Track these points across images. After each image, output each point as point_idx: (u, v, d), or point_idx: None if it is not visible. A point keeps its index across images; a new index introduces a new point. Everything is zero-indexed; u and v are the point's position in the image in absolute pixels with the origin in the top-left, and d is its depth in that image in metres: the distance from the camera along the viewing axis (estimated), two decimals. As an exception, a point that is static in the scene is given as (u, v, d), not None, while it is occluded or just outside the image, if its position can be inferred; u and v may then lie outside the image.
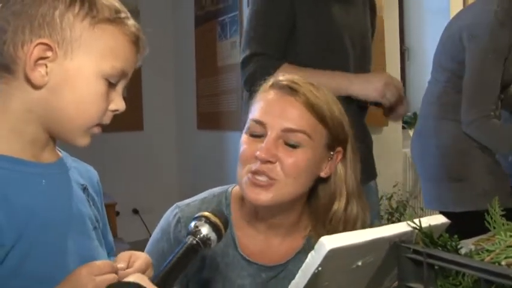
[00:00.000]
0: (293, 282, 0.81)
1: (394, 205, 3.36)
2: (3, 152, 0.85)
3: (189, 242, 0.85)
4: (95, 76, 0.86)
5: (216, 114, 4.13)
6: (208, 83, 4.25)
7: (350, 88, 1.58)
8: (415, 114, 2.93)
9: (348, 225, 1.16)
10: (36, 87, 0.84)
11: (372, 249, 0.80)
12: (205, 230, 0.87)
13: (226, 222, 0.90)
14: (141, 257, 0.87)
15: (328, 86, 1.20)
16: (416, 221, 0.80)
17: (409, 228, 0.80)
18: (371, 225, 1.22)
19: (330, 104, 1.14)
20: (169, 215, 1.21)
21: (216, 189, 1.24)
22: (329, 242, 0.75)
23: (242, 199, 1.19)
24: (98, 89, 0.86)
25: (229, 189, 1.23)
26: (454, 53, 2.02)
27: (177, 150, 4.75)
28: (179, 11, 4.64)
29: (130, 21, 0.90)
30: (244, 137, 1.14)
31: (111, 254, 1.03)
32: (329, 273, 0.79)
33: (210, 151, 4.20)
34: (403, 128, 3.72)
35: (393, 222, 3.12)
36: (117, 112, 0.90)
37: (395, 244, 0.78)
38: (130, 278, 0.78)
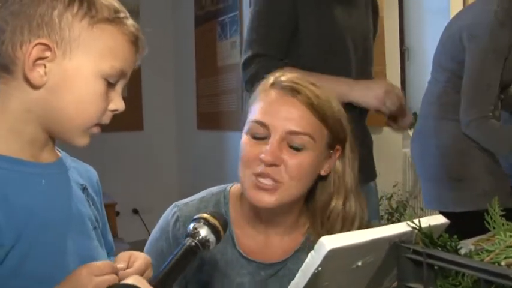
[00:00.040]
0: (293, 282, 0.81)
1: (394, 205, 3.35)
2: (2, 152, 0.85)
3: (187, 244, 0.85)
4: (93, 76, 0.85)
5: (216, 114, 4.13)
6: (208, 83, 4.25)
7: (351, 94, 1.57)
8: (415, 114, 2.93)
9: (347, 222, 1.17)
10: (35, 87, 0.84)
11: (371, 250, 0.80)
12: (204, 231, 0.87)
13: (225, 224, 0.90)
14: (140, 257, 0.87)
15: None
16: (416, 221, 0.80)
17: (409, 229, 0.80)
18: (369, 224, 1.22)
19: (330, 102, 1.14)
20: (168, 214, 1.21)
21: (215, 188, 1.25)
22: (329, 242, 0.75)
23: (241, 198, 1.19)
24: (97, 88, 0.86)
25: (228, 188, 1.23)
26: (454, 53, 2.02)
27: (177, 150, 4.75)
28: (179, 11, 4.64)
29: (130, 21, 0.89)
30: (245, 138, 1.13)
31: (111, 254, 1.03)
32: (329, 273, 0.79)
33: (210, 151, 4.20)
34: (403, 128, 3.71)
35: (393, 222, 3.12)
36: (116, 112, 0.90)
37: (395, 244, 0.78)
38: (129, 280, 0.77)
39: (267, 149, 1.08)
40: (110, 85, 0.88)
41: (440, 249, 0.77)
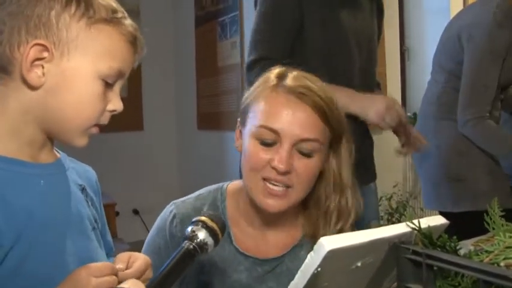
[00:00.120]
0: (292, 282, 0.81)
1: (394, 205, 3.35)
2: (1, 153, 0.85)
3: (185, 247, 0.85)
4: (92, 77, 0.85)
5: (216, 115, 4.14)
6: (208, 83, 4.25)
7: (351, 106, 1.56)
8: (415, 114, 2.93)
9: (343, 216, 1.17)
10: (33, 88, 0.84)
11: (371, 250, 0.80)
12: (202, 234, 0.86)
13: (223, 227, 0.90)
14: (140, 258, 0.87)
15: None
16: (416, 221, 0.80)
17: (409, 229, 0.80)
18: (369, 225, 1.22)
19: (333, 100, 1.14)
20: (165, 212, 1.22)
21: (212, 186, 1.25)
22: (328, 243, 0.75)
23: (238, 195, 1.20)
24: (95, 89, 0.86)
25: (225, 185, 1.24)
26: (454, 54, 2.02)
27: (177, 150, 4.75)
28: (179, 11, 4.65)
29: (128, 21, 0.89)
30: (253, 143, 1.11)
31: (110, 254, 1.03)
32: (328, 274, 0.79)
33: (210, 151, 4.20)
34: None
35: (393, 222, 3.12)
36: (114, 112, 0.90)
37: (395, 245, 0.78)
38: (126, 284, 0.77)
39: (280, 157, 1.08)
40: (108, 85, 0.88)
41: (439, 249, 0.77)
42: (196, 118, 4.46)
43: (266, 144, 1.10)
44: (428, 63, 2.24)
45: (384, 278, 0.85)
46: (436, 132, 2.05)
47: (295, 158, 1.10)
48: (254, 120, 1.12)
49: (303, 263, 0.79)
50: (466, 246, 0.87)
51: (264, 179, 1.11)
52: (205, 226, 0.87)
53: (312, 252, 0.77)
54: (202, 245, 0.86)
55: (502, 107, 2.09)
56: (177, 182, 4.61)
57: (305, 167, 1.10)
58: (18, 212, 0.83)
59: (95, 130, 0.89)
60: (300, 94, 1.10)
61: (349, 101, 1.57)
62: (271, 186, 1.10)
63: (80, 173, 0.98)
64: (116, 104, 0.89)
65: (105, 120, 0.90)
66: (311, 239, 1.17)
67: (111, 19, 0.86)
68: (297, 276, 0.80)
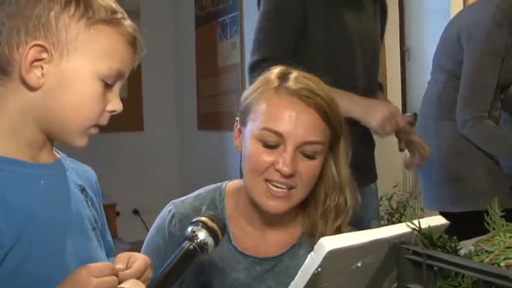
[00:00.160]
0: (292, 283, 0.81)
1: (394, 205, 3.35)
2: (1, 153, 0.85)
3: (186, 247, 0.85)
4: (91, 77, 0.85)
5: (216, 115, 4.14)
6: (208, 83, 4.25)
7: (353, 112, 1.56)
8: (415, 114, 2.93)
9: (342, 215, 1.18)
10: (32, 89, 0.84)
11: (371, 251, 0.80)
12: (202, 235, 0.86)
13: (223, 227, 0.90)
14: (140, 258, 0.87)
15: None
16: (416, 222, 0.80)
17: (409, 230, 0.80)
18: (369, 225, 1.22)
19: (333, 100, 1.14)
20: (164, 211, 1.22)
21: (211, 186, 1.25)
22: (329, 243, 0.75)
23: (238, 195, 1.20)
24: (95, 90, 0.86)
25: (223, 185, 1.24)
26: (454, 54, 2.03)
27: (177, 150, 4.76)
28: (179, 11, 4.65)
29: (127, 22, 0.89)
30: (255, 145, 1.11)
31: (110, 254, 1.03)
32: (329, 274, 0.79)
33: (210, 151, 4.20)
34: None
35: (393, 222, 3.12)
36: (114, 113, 0.90)
37: (395, 245, 0.78)
38: (126, 284, 0.77)
39: (284, 160, 1.08)
40: (108, 86, 0.88)
41: (439, 250, 0.76)
42: (196, 118, 4.46)
43: (269, 146, 1.10)
44: (428, 64, 2.24)
45: (384, 278, 0.85)
46: (436, 132, 2.06)
47: (298, 160, 1.10)
48: (256, 122, 1.12)
49: (301, 261, 0.79)
50: (467, 246, 0.87)
51: (267, 180, 1.11)
52: (205, 226, 0.87)
53: (312, 253, 0.77)
54: (203, 245, 0.86)
55: (502, 107, 2.09)
56: (177, 182, 4.61)
57: (308, 169, 1.11)
58: (18, 212, 0.83)
59: (94, 130, 0.89)
60: (303, 96, 1.10)
61: (351, 106, 1.56)
62: (274, 188, 1.10)
63: (79, 174, 0.99)
64: (115, 105, 0.89)
65: (104, 120, 0.90)
66: (310, 238, 1.17)
67: (111, 20, 0.86)
68: (297, 277, 0.80)
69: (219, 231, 0.88)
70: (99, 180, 1.05)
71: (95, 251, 0.95)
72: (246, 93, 1.18)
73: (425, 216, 0.87)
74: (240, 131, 1.18)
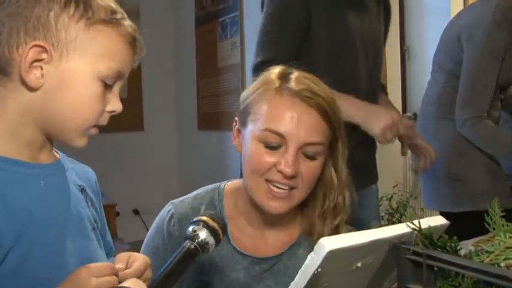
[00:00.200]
0: (292, 283, 0.81)
1: (394, 206, 3.35)
2: (0, 153, 0.85)
3: (187, 247, 0.85)
4: (90, 78, 0.85)
5: (216, 115, 4.14)
6: (208, 83, 4.25)
7: (355, 117, 1.56)
8: (415, 114, 2.93)
9: (340, 214, 1.18)
10: (31, 89, 0.84)
11: (371, 251, 0.79)
12: (203, 234, 0.87)
13: (224, 227, 0.90)
14: (139, 258, 0.87)
15: None
16: (416, 222, 0.80)
17: (409, 230, 0.80)
18: (369, 225, 1.23)
19: (334, 100, 1.14)
20: (163, 212, 1.22)
21: (210, 186, 1.25)
22: (328, 243, 0.75)
23: (237, 195, 1.20)
24: (94, 90, 0.86)
25: (222, 185, 1.24)
26: (453, 54, 2.03)
27: (177, 150, 4.76)
28: (180, 11, 4.65)
29: (127, 22, 0.89)
30: (257, 146, 1.11)
31: (110, 254, 1.03)
32: (329, 274, 0.79)
33: (210, 151, 4.20)
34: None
35: (393, 222, 3.12)
36: (114, 113, 0.90)
37: (395, 245, 0.78)
38: (127, 283, 0.77)
39: (287, 161, 1.08)
40: (107, 86, 0.88)
41: (440, 250, 0.76)
42: (196, 118, 4.46)
43: (271, 147, 1.10)
44: (429, 63, 2.24)
45: (384, 278, 0.85)
46: (436, 132, 2.06)
47: (300, 161, 1.10)
48: (257, 122, 1.11)
49: (300, 261, 0.79)
50: (467, 246, 0.87)
51: (268, 181, 1.11)
52: (206, 226, 0.87)
53: (312, 253, 0.77)
54: (204, 245, 0.86)
55: (502, 107, 2.09)
56: (177, 182, 4.61)
57: (309, 170, 1.11)
58: (18, 212, 0.83)
59: (94, 131, 0.89)
60: (304, 97, 1.10)
61: (352, 110, 1.56)
62: (275, 189, 1.10)
63: (79, 174, 0.99)
64: (115, 105, 0.89)
65: (104, 121, 0.90)
66: (308, 238, 1.18)
67: (110, 20, 0.86)
68: (297, 277, 0.80)
69: (220, 231, 0.89)
70: (99, 180, 1.05)
71: (95, 251, 0.95)
72: (245, 94, 1.18)
73: (426, 217, 0.87)
74: (239, 131, 1.18)
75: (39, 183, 0.88)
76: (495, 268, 0.70)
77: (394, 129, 1.56)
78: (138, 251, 0.95)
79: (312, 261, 0.77)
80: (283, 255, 1.18)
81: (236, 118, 1.19)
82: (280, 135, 1.09)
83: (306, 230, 1.19)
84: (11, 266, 0.81)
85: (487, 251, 0.78)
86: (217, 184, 1.25)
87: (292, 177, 1.09)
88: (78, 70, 0.84)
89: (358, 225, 1.22)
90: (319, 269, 0.76)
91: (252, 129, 1.13)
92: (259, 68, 1.59)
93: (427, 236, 0.78)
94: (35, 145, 0.89)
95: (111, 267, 0.82)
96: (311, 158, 1.11)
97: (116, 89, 0.89)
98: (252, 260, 1.17)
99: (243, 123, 1.15)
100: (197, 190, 1.25)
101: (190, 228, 0.87)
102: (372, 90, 1.73)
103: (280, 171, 1.09)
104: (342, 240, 0.77)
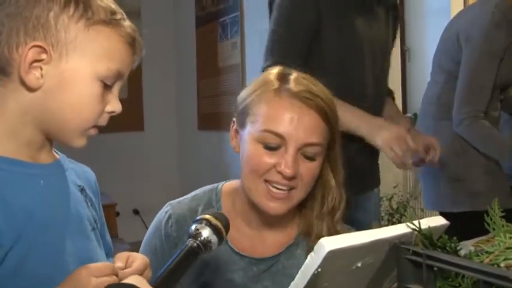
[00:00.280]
0: (292, 283, 0.81)
1: (395, 206, 3.35)
2: (0, 153, 0.85)
3: (189, 245, 0.85)
4: (90, 78, 0.85)
5: (216, 115, 4.14)
6: (209, 83, 4.25)
7: (359, 129, 1.55)
8: (415, 114, 2.93)
9: (337, 214, 1.18)
10: (31, 89, 0.84)
11: (371, 251, 0.80)
12: (206, 232, 0.87)
13: (227, 225, 0.90)
14: (138, 258, 0.87)
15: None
16: (416, 222, 0.80)
17: (409, 230, 0.80)
18: (370, 226, 1.23)
19: (332, 100, 1.14)
20: (161, 212, 1.22)
21: (208, 187, 1.25)
22: (328, 244, 0.75)
23: (234, 195, 1.20)
24: (94, 91, 0.86)
25: (220, 185, 1.24)
26: (453, 54, 2.03)
27: (177, 150, 4.76)
28: (180, 11, 4.65)
29: (126, 23, 0.89)
30: (256, 147, 1.11)
31: (109, 254, 1.03)
32: (328, 275, 0.79)
33: (210, 152, 4.20)
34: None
35: (393, 223, 3.12)
36: (113, 114, 0.90)
37: (395, 245, 0.78)
38: (129, 280, 0.78)
39: (286, 162, 1.08)
40: (107, 87, 0.87)
41: (440, 250, 0.76)
42: (196, 118, 4.47)
43: (270, 148, 1.10)
44: (429, 64, 2.24)
45: (384, 278, 0.85)
46: (436, 132, 2.05)
47: (299, 162, 1.10)
48: (256, 123, 1.11)
49: (298, 261, 0.80)
50: (467, 246, 0.87)
51: (267, 181, 1.11)
52: (209, 224, 0.87)
53: (312, 253, 0.77)
54: (206, 243, 0.86)
55: (502, 108, 2.09)
56: (177, 182, 4.61)
57: (309, 170, 1.11)
58: (18, 212, 0.83)
59: (93, 131, 0.89)
60: (303, 98, 1.10)
61: (358, 123, 1.55)
62: (274, 190, 1.10)
63: (79, 174, 0.99)
64: (114, 106, 0.89)
65: (103, 121, 0.90)
66: (306, 238, 1.18)
67: (110, 20, 0.86)
68: (297, 277, 0.80)
69: (223, 229, 0.89)
70: (99, 180, 1.05)
71: (95, 251, 0.95)
72: (243, 94, 1.17)
73: (426, 217, 0.87)
74: (237, 132, 1.18)
75: (39, 183, 0.88)
76: (495, 268, 0.70)
77: (402, 143, 1.54)
78: (138, 251, 0.95)
79: (312, 261, 0.77)
80: (281, 256, 1.18)
81: (234, 119, 1.19)
82: (279, 136, 1.09)
83: (303, 231, 1.19)
84: (11, 266, 0.81)
85: (486, 252, 0.78)
86: (215, 185, 1.25)
87: (291, 178, 1.09)
88: (78, 70, 0.84)
89: (358, 227, 1.22)
90: (319, 269, 0.76)
91: (250, 130, 1.13)
92: None
93: (427, 236, 0.78)
94: (35, 145, 0.89)
95: (111, 267, 0.82)
96: (310, 158, 1.11)
97: (116, 89, 0.89)
98: (250, 261, 1.17)
99: (241, 124, 1.15)
100: (195, 191, 1.25)
101: (193, 227, 0.87)
102: (379, 97, 1.73)
103: (279, 172, 1.09)
104: (342, 240, 0.77)
